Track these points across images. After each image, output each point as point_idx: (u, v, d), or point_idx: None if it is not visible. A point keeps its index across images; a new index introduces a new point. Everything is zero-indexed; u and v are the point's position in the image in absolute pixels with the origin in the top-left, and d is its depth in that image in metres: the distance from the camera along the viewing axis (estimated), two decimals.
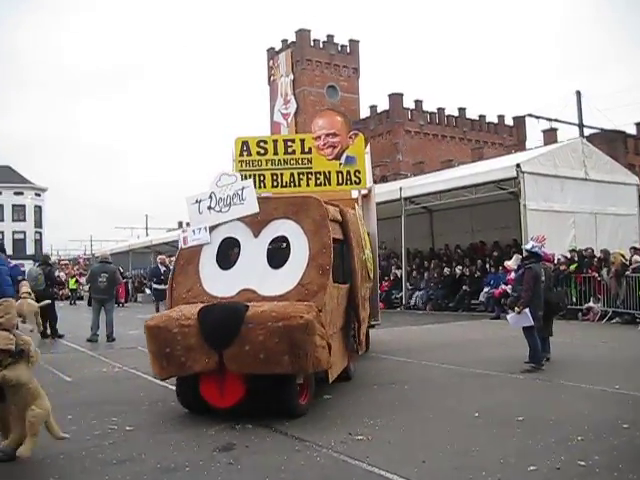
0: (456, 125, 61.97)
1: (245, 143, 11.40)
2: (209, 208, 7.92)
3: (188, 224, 8.23)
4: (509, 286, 13.29)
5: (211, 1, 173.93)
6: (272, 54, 70.34)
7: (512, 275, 11.60)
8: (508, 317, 9.92)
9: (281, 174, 11.24)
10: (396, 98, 58.88)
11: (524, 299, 9.41)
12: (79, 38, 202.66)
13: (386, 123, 58.94)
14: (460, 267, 22.88)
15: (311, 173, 11.19)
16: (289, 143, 11.38)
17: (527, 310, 9.33)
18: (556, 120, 34.25)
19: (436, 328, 16.85)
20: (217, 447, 5.73)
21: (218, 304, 6.93)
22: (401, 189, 23.76)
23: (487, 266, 21.95)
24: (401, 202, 23.38)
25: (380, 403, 7.47)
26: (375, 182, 44.80)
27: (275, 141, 11.49)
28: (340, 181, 11.20)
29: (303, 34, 66.45)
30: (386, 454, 5.41)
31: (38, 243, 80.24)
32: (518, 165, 19.38)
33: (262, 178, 11.21)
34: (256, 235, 7.66)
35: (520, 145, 54.97)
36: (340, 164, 11.19)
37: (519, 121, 61.19)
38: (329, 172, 11.19)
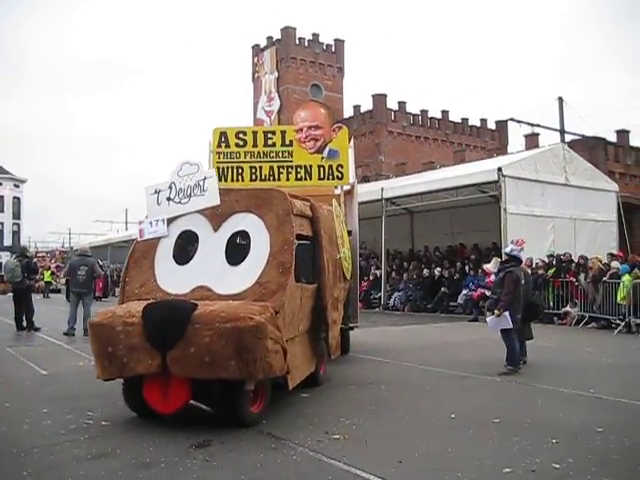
0: (439, 127, 62.13)
1: (223, 134, 11.09)
2: (168, 199, 7.48)
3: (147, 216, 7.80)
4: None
5: None
6: (257, 51, 70.16)
7: (491, 278, 11.66)
8: (487, 319, 9.97)
9: (260, 167, 10.94)
10: (380, 99, 58.89)
11: (504, 302, 9.46)
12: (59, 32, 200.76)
13: (369, 123, 58.94)
14: (439, 269, 22.98)
15: (291, 167, 10.92)
16: (269, 135, 11.07)
17: (507, 313, 9.37)
18: (538, 125, 34.51)
19: (414, 329, 16.90)
20: (193, 444, 5.70)
21: (163, 302, 6.52)
22: (382, 190, 23.80)
23: (466, 268, 22.05)
24: (382, 203, 23.43)
25: (357, 403, 7.46)
26: (357, 182, 45.05)
27: (255, 132, 11.16)
28: (322, 176, 10.90)
29: (288, 32, 66.36)
30: (362, 454, 5.42)
31: (16, 235, 79.33)
32: (499, 169, 19.49)
33: (240, 171, 10.95)
34: (216, 229, 7.21)
35: (502, 149, 55.21)
36: (322, 158, 10.88)
37: (501, 125, 61.43)
38: (310, 166, 10.90)
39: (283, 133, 11.08)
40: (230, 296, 6.55)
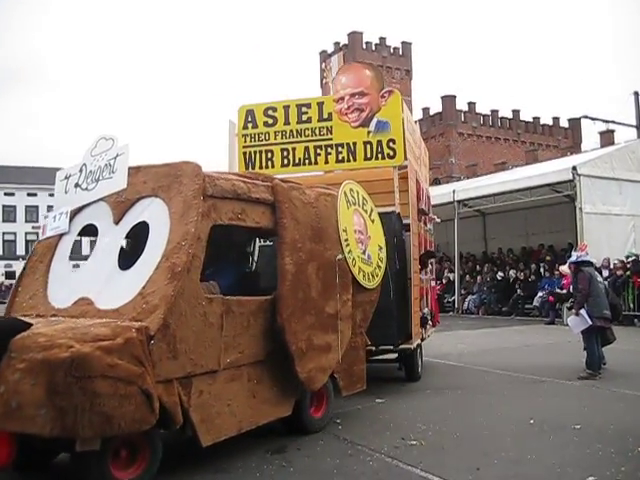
0: (510, 127, 61.06)
1: (250, 112, 9.26)
2: (76, 185, 5.90)
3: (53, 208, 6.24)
4: (564, 290, 13.12)
5: (266, 5, 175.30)
6: (324, 57, 70.49)
7: (568, 280, 11.41)
8: (568, 320, 9.86)
9: (293, 149, 9.06)
10: (449, 100, 58.30)
11: (578, 300, 9.34)
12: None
13: (439, 125, 58.40)
14: (514, 271, 22.55)
15: (331, 146, 8.93)
16: (304, 109, 9.07)
17: (583, 311, 9.18)
18: (613, 122, 33.50)
19: (489, 333, 16.65)
20: (270, 449, 5.76)
21: None
22: (454, 192, 23.56)
23: (541, 270, 21.57)
24: (454, 205, 23.18)
25: (433, 408, 7.41)
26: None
27: (286, 107, 9.15)
28: (369, 155, 8.78)
29: (355, 37, 66.44)
30: (440, 460, 5.37)
31: None
32: (574, 167, 18.98)
33: (270, 155, 9.14)
34: (117, 221, 5.59)
35: (576, 147, 53.91)
36: (369, 132, 8.76)
37: (575, 123, 60.00)
38: (354, 144, 8.83)
39: (320, 105, 9.07)
40: (108, 312, 4.95)
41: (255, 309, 5.66)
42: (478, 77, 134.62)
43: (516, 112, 61.85)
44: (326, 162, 9.00)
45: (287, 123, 9.07)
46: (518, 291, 21.68)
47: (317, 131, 8.99)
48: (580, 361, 9.47)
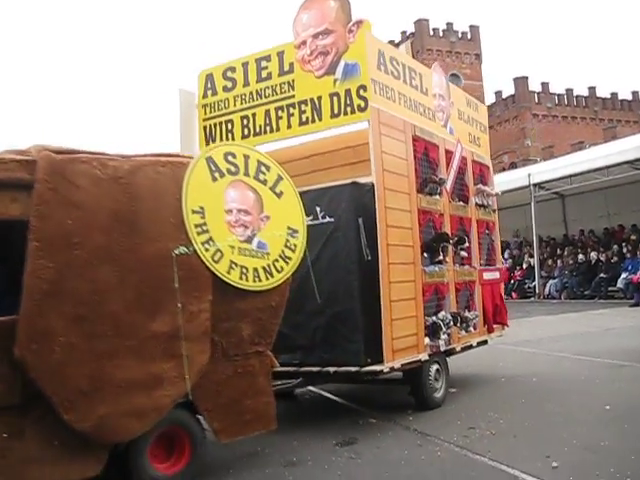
0: (586, 105, 59.20)
1: (209, 77, 7.72)
2: None
3: None
4: None
5: None
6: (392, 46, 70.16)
7: None
8: None
9: (253, 115, 7.39)
10: (521, 82, 57.02)
11: None
12: None
13: (512, 108, 57.21)
14: (595, 253, 21.89)
15: (293, 105, 7.10)
16: (263, 63, 7.33)
17: None
18: None
19: (571, 317, 16.19)
20: (339, 442, 5.82)
21: None
22: (529, 175, 23.11)
23: (624, 251, 20.86)
24: (530, 188, 22.73)
25: (506, 396, 7.32)
26: (504, 169, 43.27)
27: (245, 64, 7.47)
28: (336, 111, 6.80)
29: (422, 24, 65.67)
30: (509, 449, 5.32)
31: None
32: None
33: (230, 126, 7.55)
34: None
35: None
36: (335, 81, 6.77)
37: None
38: (319, 98, 6.91)
39: (281, 55, 7.20)
40: None
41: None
42: (551, 56, 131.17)
43: (592, 89, 59.95)
44: (289, 126, 7.17)
45: (247, 84, 7.47)
46: (600, 274, 21.04)
47: (278, 89, 7.24)
48: None
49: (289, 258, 5.42)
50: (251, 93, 7.40)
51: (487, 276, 8.61)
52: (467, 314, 7.77)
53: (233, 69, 7.56)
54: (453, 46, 65.61)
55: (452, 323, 7.27)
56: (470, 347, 7.97)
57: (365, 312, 6.20)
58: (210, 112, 7.70)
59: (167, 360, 4.67)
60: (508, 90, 58.77)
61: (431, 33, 65.79)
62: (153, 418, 4.60)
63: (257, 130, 7.35)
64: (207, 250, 4.92)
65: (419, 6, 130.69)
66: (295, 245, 5.49)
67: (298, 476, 5.01)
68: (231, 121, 7.54)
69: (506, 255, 24.57)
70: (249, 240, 5.20)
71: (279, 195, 5.52)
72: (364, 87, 6.56)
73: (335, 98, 6.77)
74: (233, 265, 5.06)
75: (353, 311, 6.22)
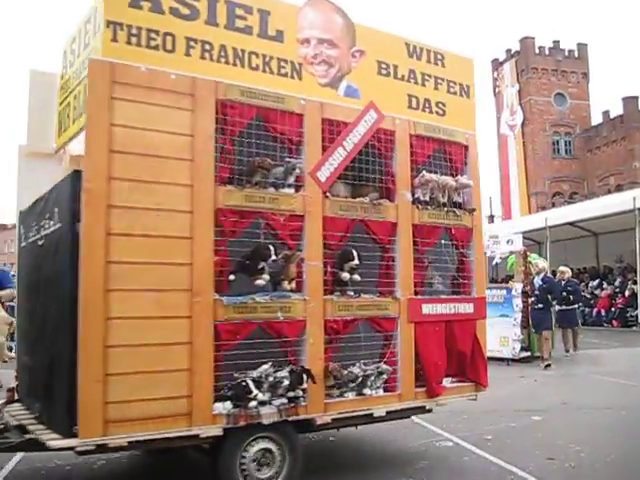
0: None
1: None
2: None
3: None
4: None
5: (434, 16, 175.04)
6: (496, 65, 69.09)
7: None
8: None
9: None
10: (631, 101, 54.92)
11: None
12: None
13: (620, 129, 55.15)
14: None
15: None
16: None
17: None
18: None
19: None
20: (410, 474, 5.54)
21: None
22: (634, 198, 22.07)
23: None
24: (635, 213, 21.74)
25: (591, 428, 7.05)
26: (609, 191, 41.51)
27: None
28: None
29: (527, 42, 64.51)
30: None
31: None
32: None
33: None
34: None
35: None
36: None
37: None
38: None
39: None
40: None
41: None
42: None
43: None
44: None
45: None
46: None
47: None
48: None
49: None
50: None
51: (437, 310, 5.82)
52: (354, 369, 5.17)
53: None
54: (559, 65, 64.11)
55: (291, 382, 4.70)
56: (370, 417, 5.32)
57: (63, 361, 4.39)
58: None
59: None
60: (616, 110, 56.81)
61: (537, 51, 64.56)
62: None
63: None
64: None
65: (525, 24, 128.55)
66: None
67: None
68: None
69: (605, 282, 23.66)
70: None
71: None
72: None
73: None
74: None
75: (61, 357, 4.43)
